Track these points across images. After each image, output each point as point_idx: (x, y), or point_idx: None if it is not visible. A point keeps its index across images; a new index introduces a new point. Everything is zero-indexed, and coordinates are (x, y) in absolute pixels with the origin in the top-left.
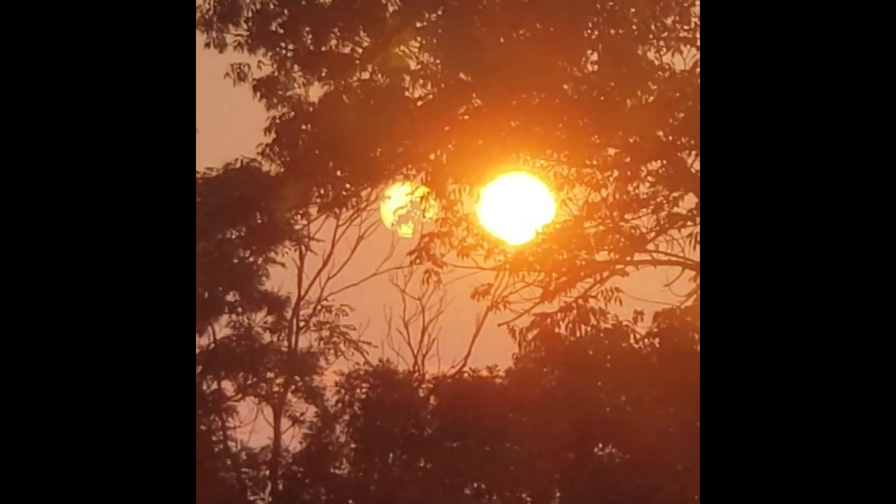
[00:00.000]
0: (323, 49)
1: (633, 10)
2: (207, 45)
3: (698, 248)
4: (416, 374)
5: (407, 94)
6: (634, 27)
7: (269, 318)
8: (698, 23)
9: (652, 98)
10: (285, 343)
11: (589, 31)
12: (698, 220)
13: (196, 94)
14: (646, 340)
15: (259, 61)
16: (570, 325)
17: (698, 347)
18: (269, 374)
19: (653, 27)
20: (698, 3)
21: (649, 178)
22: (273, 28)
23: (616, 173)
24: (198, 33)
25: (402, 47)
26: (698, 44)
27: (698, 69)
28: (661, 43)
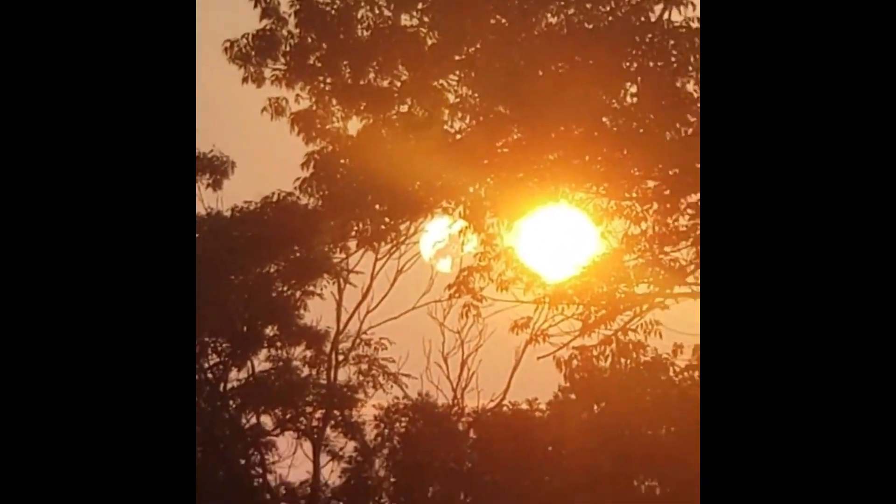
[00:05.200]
0: (361, 83)
1: (672, 41)
2: (245, 79)
3: None
4: (456, 408)
5: (446, 127)
6: (673, 59)
7: (308, 352)
8: None
9: (691, 130)
10: (324, 377)
11: (628, 64)
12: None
13: (232, 127)
14: (685, 373)
15: (297, 95)
16: (610, 359)
17: None
18: (308, 409)
19: (692, 59)
20: None
21: (689, 211)
22: (311, 62)
23: (656, 206)
24: (235, 68)
25: (440, 80)
26: None
27: None
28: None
